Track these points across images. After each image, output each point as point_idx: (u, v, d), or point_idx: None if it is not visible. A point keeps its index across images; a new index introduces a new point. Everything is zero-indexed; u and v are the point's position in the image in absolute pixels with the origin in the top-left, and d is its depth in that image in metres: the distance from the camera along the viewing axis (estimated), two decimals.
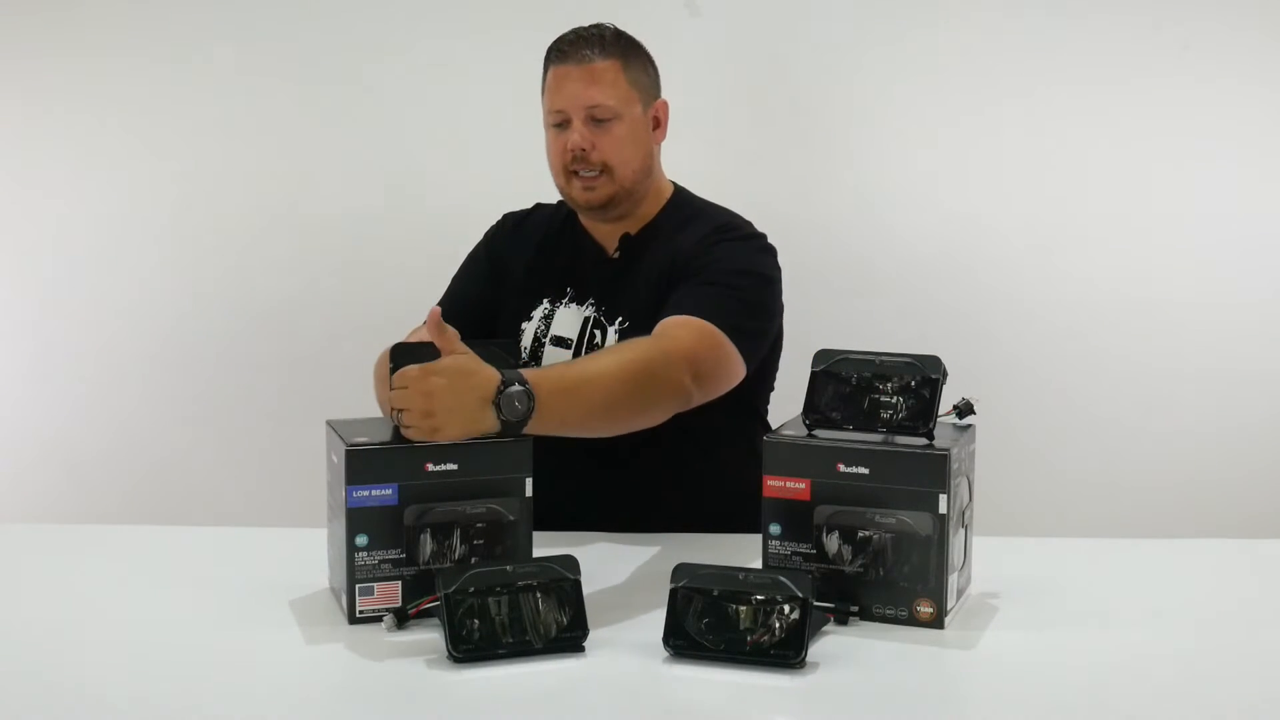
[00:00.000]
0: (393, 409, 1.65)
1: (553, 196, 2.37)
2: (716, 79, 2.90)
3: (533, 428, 1.68)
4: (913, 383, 1.69)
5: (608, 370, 1.85)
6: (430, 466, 1.65)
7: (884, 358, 1.72)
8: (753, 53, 3.01)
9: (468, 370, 1.65)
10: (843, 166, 3.02)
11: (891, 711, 1.45)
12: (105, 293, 3.10)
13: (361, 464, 1.63)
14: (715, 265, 2.11)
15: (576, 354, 2.17)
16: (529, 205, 2.38)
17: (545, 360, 2.18)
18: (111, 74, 3.05)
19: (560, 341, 2.19)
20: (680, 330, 1.99)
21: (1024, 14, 2.96)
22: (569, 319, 2.21)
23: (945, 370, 1.70)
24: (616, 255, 2.23)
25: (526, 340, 2.21)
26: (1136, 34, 2.95)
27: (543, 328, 2.21)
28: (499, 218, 2.37)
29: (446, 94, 3.04)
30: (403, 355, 1.74)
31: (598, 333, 2.18)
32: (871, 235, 3.01)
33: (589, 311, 2.20)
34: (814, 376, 1.73)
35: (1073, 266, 3.00)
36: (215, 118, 3.06)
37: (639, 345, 1.95)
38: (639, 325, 2.11)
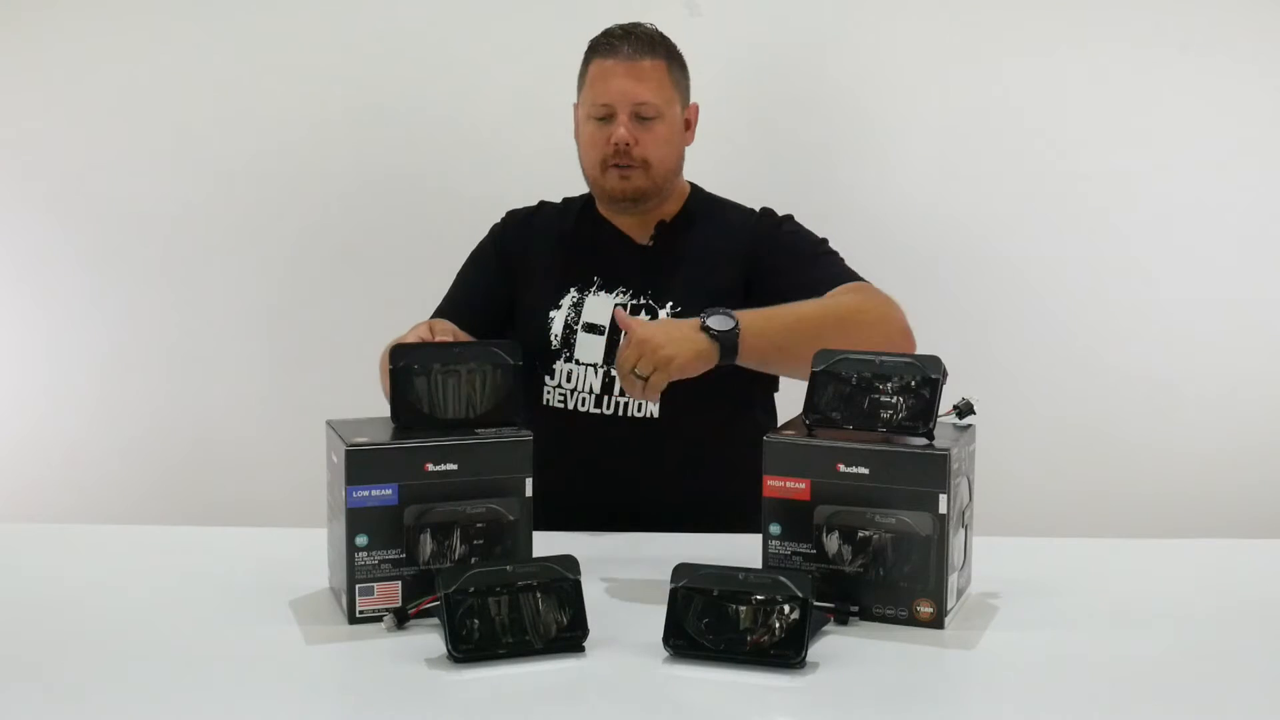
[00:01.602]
0: (624, 373, 1.88)
1: (551, 195, 2.38)
2: (715, 79, 2.89)
3: (743, 353, 1.92)
4: (913, 383, 1.69)
5: (803, 306, 2.04)
6: (430, 466, 1.65)
7: (884, 357, 1.71)
8: (753, 52, 3.01)
9: (665, 318, 1.89)
10: (841, 167, 3.02)
11: (891, 711, 1.45)
12: (105, 293, 3.10)
13: (361, 464, 1.63)
14: (803, 242, 2.24)
15: (609, 340, 2.19)
16: (529, 203, 2.38)
17: (578, 347, 2.20)
18: (113, 71, 3.05)
19: (592, 328, 2.21)
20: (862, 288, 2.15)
21: (1024, 15, 2.96)
22: (600, 306, 2.22)
23: (945, 370, 1.70)
24: (650, 243, 2.26)
25: (557, 328, 2.23)
26: (1137, 35, 2.95)
27: (573, 315, 2.23)
28: (502, 215, 2.38)
29: (447, 93, 3.03)
30: (403, 355, 1.74)
31: (645, 316, 2.20)
32: (870, 235, 2.99)
33: (621, 298, 2.22)
34: (814, 376, 1.73)
35: (1074, 266, 3.00)
36: (216, 116, 3.05)
37: (838, 294, 2.10)
38: (692, 307, 2.12)
